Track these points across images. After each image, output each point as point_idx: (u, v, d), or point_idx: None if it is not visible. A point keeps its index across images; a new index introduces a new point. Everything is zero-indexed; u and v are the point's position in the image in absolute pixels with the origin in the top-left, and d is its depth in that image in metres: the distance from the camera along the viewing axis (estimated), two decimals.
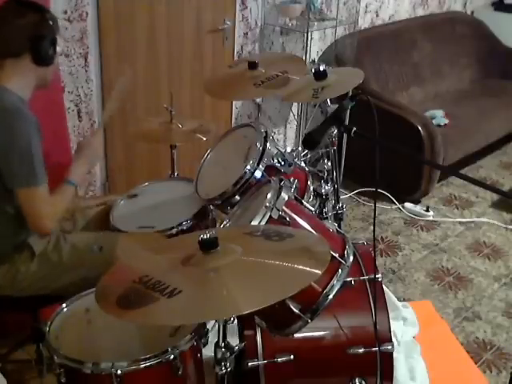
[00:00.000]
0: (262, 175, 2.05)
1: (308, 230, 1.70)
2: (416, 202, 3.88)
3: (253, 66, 2.32)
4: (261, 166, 2.05)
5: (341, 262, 1.64)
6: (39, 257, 2.00)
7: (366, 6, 4.32)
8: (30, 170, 1.83)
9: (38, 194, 1.85)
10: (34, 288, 2.01)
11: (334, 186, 2.46)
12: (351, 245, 1.75)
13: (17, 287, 2.00)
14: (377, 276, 1.85)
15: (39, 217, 1.87)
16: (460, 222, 3.72)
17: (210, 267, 1.32)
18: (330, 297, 1.60)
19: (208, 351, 1.73)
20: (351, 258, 1.69)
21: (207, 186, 2.20)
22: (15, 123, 1.81)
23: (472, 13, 5.36)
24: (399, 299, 2.85)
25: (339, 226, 2.49)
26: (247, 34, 3.60)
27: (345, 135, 3.24)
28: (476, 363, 2.57)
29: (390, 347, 1.83)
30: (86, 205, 2.37)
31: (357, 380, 1.84)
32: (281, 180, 1.81)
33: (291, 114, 4.10)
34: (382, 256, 3.34)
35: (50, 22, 1.91)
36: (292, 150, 2.83)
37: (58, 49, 1.97)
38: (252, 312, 1.19)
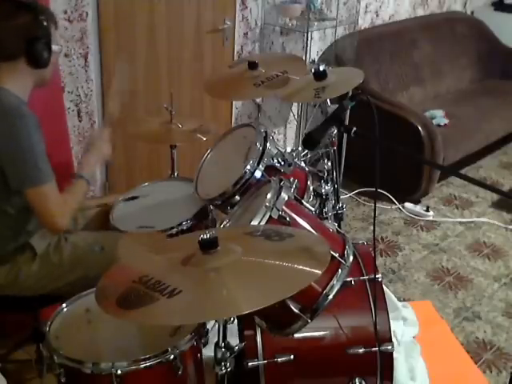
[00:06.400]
0: (262, 175, 2.04)
1: (308, 230, 1.70)
2: (416, 201, 3.88)
3: (253, 66, 2.32)
4: (261, 166, 2.05)
5: (341, 262, 1.64)
6: (41, 257, 2.00)
7: (366, 6, 4.33)
8: (35, 169, 1.82)
9: (45, 192, 1.84)
10: (35, 287, 2.01)
11: (333, 186, 2.46)
12: (351, 245, 1.74)
13: (18, 287, 2.00)
14: (377, 276, 1.85)
15: (50, 215, 1.86)
16: (460, 222, 3.72)
17: (209, 267, 1.32)
18: (330, 297, 1.60)
19: (208, 351, 1.73)
20: (351, 258, 1.69)
21: (207, 185, 2.19)
22: (16, 123, 1.80)
23: (472, 13, 5.36)
24: (399, 299, 2.85)
25: (339, 226, 2.49)
26: (247, 34, 3.60)
27: (345, 135, 3.25)
28: (476, 363, 2.57)
29: (390, 347, 1.83)
30: (87, 205, 2.36)
31: (357, 380, 1.83)
32: (281, 180, 1.81)
33: (291, 114, 4.10)
34: (382, 256, 3.34)
35: (44, 23, 1.85)
36: (292, 150, 2.83)
37: (56, 48, 1.93)
38: (252, 312, 1.19)
